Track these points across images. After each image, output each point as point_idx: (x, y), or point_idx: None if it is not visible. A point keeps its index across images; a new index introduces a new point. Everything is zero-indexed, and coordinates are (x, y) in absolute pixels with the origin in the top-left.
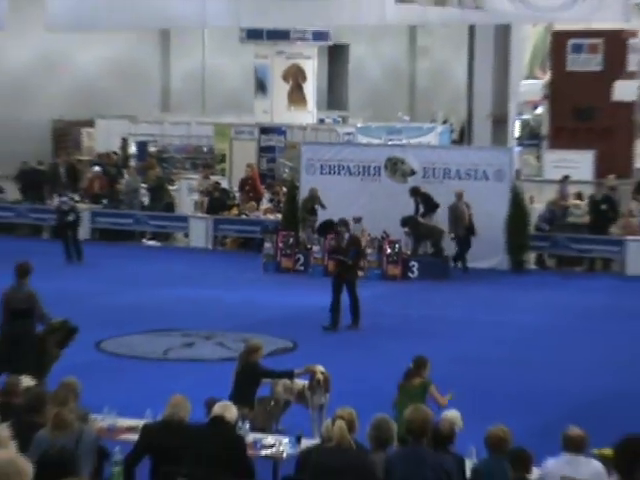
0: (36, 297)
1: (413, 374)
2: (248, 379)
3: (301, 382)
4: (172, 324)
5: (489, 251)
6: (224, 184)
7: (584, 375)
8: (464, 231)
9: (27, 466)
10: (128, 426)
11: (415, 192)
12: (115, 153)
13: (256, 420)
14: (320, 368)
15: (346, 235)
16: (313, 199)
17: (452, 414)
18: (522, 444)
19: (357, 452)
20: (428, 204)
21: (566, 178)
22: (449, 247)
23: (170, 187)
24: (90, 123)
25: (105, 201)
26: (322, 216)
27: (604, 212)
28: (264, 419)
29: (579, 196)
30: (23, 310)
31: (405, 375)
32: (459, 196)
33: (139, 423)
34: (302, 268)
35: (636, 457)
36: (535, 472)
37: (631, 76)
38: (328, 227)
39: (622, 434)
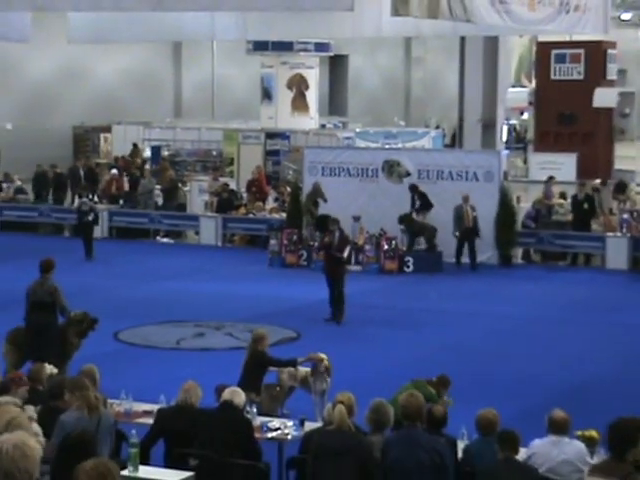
0: (58, 291)
1: (432, 385)
2: (255, 367)
3: (304, 369)
4: (184, 316)
5: (480, 247)
6: (232, 185)
7: (568, 363)
8: (465, 231)
9: (35, 450)
10: (144, 410)
11: (414, 189)
12: (130, 157)
13: (263, 404)
14: (323, 356)
15: (337, 233)
16: (316, 192)
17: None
18: (510, 426)
19: (356, 434)
20: (424, 202)
21: (551, 179)
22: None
23: (183, 188)
24: (108, 129)
25: (122, 201)
26: (323, 210)
27: (586, 211)
28: (270, 404)
29: (563, 196)
30: (46, 303)
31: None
32: (465, 199)
33: (154, 408)
34: (305, 263)
35: (627, 438)
36: (522, 452)
37: (610, 84)
38: (324, 221)
39: (603, 417)
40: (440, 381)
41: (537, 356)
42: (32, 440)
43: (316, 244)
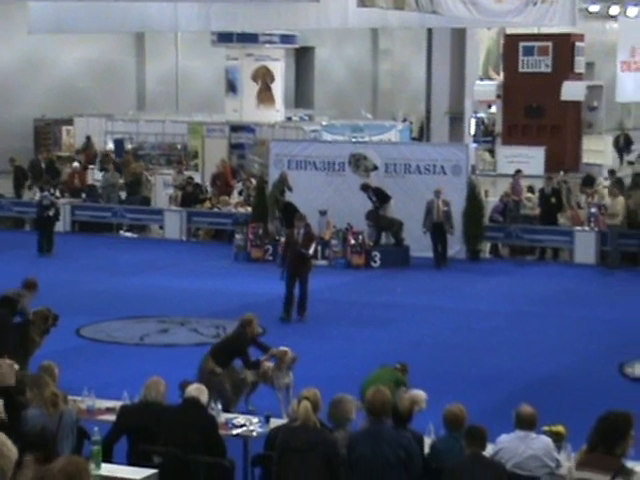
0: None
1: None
2: (232, 347)
3: (267, 364)
4: (148, 311)
5: (449, 240)
6: (197, 179)
7: (535, 357)
8: (433, 226)
9: (12, 452)
10: (107, 407)
11: (366, 187)
12: (83, 150)
13: (223, 385)
14: (286, 349)
15: (302, 229)
16: (283, 181)
17: (419, 394)
18: (477, 422)
19: (321, 431)
20: (380, 197)
21: (518, 172)
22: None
23: (149, 178)
24: (69, 121)
25: (84, 195)
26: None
27: (553, 205)
28: (231, 390)
29: (530, 190)
30: (9, 298)
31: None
32: (437, 193)
33: (117, 404)
34: (271, 258)
35: (616, 432)
36: (489, 447)
37: (578, 77)
38: (291, 210)
39: (570, 412)
40: (403, 368)
41: (505, 351)
42: (9, 441)
43: (282, 239)
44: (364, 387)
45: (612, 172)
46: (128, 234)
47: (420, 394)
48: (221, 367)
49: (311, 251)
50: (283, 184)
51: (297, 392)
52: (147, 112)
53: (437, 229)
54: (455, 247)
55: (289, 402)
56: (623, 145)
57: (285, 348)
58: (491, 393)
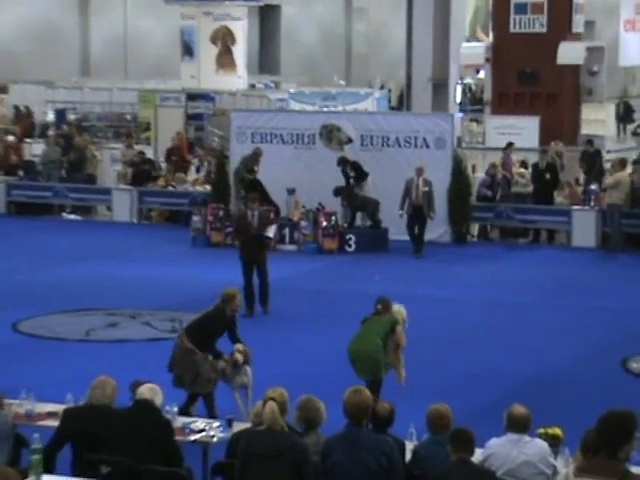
0: None
1: (380, 314)
2: (208, 326)
3: (224, 361)
4: (95, 303)
5: (430, 223)
6: (149, 154)
7: (529, 353)
8: (412, 209)
9: None
10: (48, 412)
11: (344, 162)
12: (14, 123)
13: (200, 366)
14: (238, 346)
15: (255, 212)
16: (255, 159)
17: (400, 310)
18: (464, 424)
19: (289, 435)
20: (358, 173)
21: (510, 145)
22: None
23: (94, 155)
24: (4, 89)
25: (21, 172)
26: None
27: (548, 181)
28: (210, 373)
29: (523, 164)
30: None
31: (372, 314)
32: (418, 171)
33: (59, 408)
34: (232, 242)
35: (621, 433)
36: (478, 453)
37: (577, 38)
38: (257, 189)
39: (567, 413)
40: (384, 305)
41: (495, 345)
42: None
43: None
44: (351, 351)
45: (589, 142)
46: (71, 216)
47: (400, 308)
48: (195, 345)
49: (270, 234)
50: (254, 162)
51: (261, 392)
52: (92, 79)
53: (416, 213)
54: (439, 229)
55: (248, 403)
56: (623, 114)
57: (238, 345)
58: (480, 392)
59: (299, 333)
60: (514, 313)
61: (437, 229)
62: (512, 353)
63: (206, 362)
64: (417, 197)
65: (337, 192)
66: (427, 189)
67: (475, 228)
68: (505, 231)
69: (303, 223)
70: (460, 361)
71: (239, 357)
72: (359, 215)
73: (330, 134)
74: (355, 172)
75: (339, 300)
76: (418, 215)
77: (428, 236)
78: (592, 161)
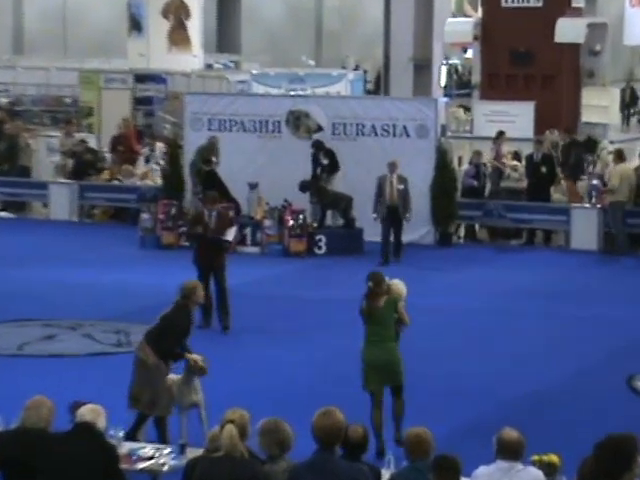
0: None
1: (375, 293)
2: (171, 327)
3: (173, 376)
4: (29, 312)
5: (411, 223)
6: (92, 143)
7: (522, 367)
8: (387, 210)
9: None
10: None
11: (319, 146)
12: None
13: (160, 384)
14: (196, 357)
15: (213, 212)
16: (212, 148)
17: (396, 283)
18: (448, 449)
19: (250, 462)
20: (332, 163)
21: (501, 135)
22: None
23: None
24: None
25: None
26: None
27: (544, 175)
28: (169, 392)
29: (516, 156)
30: None
31: (367, 297)
32: (391, 166)
33: None
34: (188, 244)
35: (619, 460)
36: None
37: (577, 13)
38: (214, 183)
39: (565, 437)
40: (375, 281)
41: (483, 359)
42: None
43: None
44: (369, 360)
45: (567, 131)
46: (2, 214)
47: (400, 285)
48: (160, 357)
49: (230, 237)
50: (210, 152)
51: (218, 414)
52: (26, 57)
53: (391, 214)
54: (421, 230)
55: (204, 426)
56: (629, 101)
57: (196, 356)
58: (466, 413)
59: (261, 346)
60: (505, 323)
61: (419, 229)
62: (503, 368)
63: (168, 379)
64: (392, 196)
65: (304, 187)
66: (402, 187)
67: (461, 228)
68: (495, 231)
69: (267, 222)
70: (443, 377)
71: (201, 364)
72: (330, 213)
73: (297, 121)
74: (329, 161)
75: (307, 309)
76: (393, 218)
77: (408, 237)
78: (566, 153)
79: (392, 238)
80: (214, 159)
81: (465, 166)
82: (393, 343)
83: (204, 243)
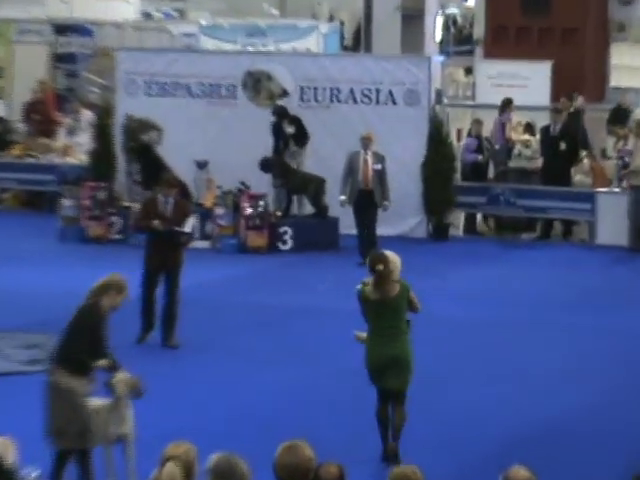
0: None
1: (387, 279)
2: (95, 331)
3: (99, 401)
4: None
5: (399, 212)
6: (0, 110)
7: (535, 389)
8: (358, 195)
9: None
10: None
11: (282, 113)
12: None
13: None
14: (121, 376)
15: (170, 199)
16: (145, 125)
17: (392, 256)
18: None
19: None
20: (300, 134)
21: (509, 103)
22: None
23: None
24: None
25: None
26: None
27: (563, 153)
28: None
29: (529, 129)
30: None
31: (377, 285)
32: (365, 141)
33: None
34: (120, 236)
35: None
36: None
37: None
38: (154, 161)
39: (584, 475)
40: (382, 262)
41: (487, 380)
42: None
43: (137, 207)
44: (378, 355)
45: (568, 96)
46: None
47: (395, 257)
48: (76, 374)
49: (188, 229)
50: (144, 129)
51: (156, 449)
52: None
53: (363, 201)
54: (411, 220)
55: (131, 464)
56: None
57: (122, 375)
58: (465, 448)
59: (211, 367)
60: (514, 336)
61: (408, 220)
62: (511, 391)
63: (90, 402)
64: (365, 178)
65: (266, 165)
66: (379, 167)
67: (461, 218)
68: (503, 223)
69: (219, 210)
70: (437, 404)
71: (134, 381)
72: (297, 199)
73: (257, 85)
74: (296, 130)
75: (269, 320)
76: (367, 205)
77: (395, 229)
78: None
79: (365, 231)
80: (152, 136)
81: (465, 140)
82: (407, 336)
83: (158, 237)
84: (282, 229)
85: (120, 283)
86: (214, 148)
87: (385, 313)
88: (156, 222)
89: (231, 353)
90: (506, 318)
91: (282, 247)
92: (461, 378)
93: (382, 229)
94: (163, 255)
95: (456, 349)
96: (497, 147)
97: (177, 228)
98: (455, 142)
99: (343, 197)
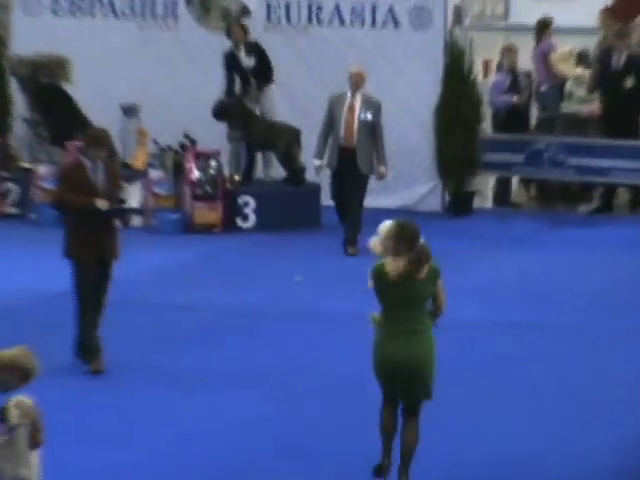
0: None
1: (417, 257)
2: None
3: None
4: None
5: (403, 177)
6: None
7: (573, 424)
8: (340, 154)
9: None
10: None
11: (236, 37)
12: None
13: None
14: (16, 400)
15: (98, 164)
16: (54, 63)
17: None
18: None
19: None
20: (263, 66)
21: (547, 25)
22: None
23: None
24: None
25: None
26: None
27: (630, 93)
28: None
29: (582, 58)
30: None
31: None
32: (355, 80)
33: None
34: (17, 210)
35: None
36: None
37: None
38: (63, 104)
39: None
40: (406, 232)
41: (510, 407)
42: None
43: (45, 168)
44: (392, 358)
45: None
46: None
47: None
48: None
49: (135, 205)
50: (47, 63)
51: None
52: None
53: (344, 164)
54: (420, 188)
55: None
56: None
57: (18, 399)
58: None
59: (145, 392)
60: (561, 345)
61: (416, 187)
62: (540, 427)
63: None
64: (349, 132)
65: (221, 110)
66: (369, 117)
67: (489, 185)
68: (548, 190)
69: (154, 174)
70: (441, 440)
71: (16, 419)
72: (263, 158)
73: (207, 1)
74: (258, 63)
75: (222, 325)
76: (349, 170)
77: (399, 201)
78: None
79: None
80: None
81: (494, 76)
82: (431, 332)
83: (94, 220)
84: (242, 200)
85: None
86: (146, 88)
87: (407, 299)
88: (101, 201)
89: (170, 372)
90: (551, 321)
91: (242, 224)
92: (468, 400)
93: (380, 200)
94: (98, 241)
95: (459, 366)
96: (542, 88)
97: (125, 206)
98: (481, 78)
99: (318, 161)
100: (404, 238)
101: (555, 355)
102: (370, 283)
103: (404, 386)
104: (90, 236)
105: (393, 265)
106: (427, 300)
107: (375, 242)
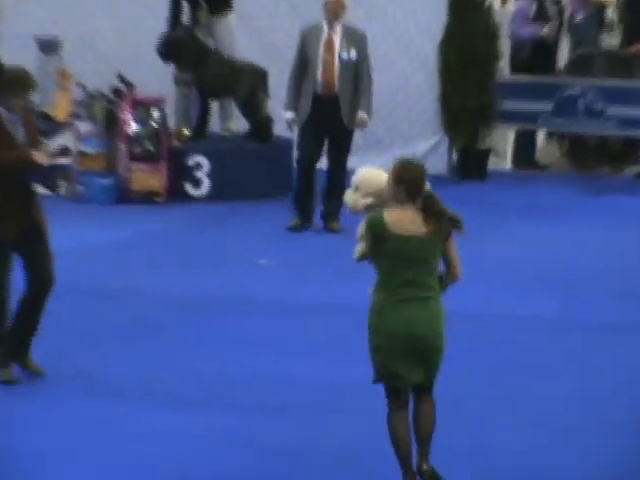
0: None
1: (426, 206)
2: None
3: None
4: None
5: (400, 130)
6: None
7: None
8: (315, 103)
9: None
10: None
11: None
12: None
13: None
14: None
15: (16, 116)
16: None
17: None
18: None
19: None
20: None
21: None
22: None
23: None
24: None
25: None
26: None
27: None
28: None
29: None
30: None
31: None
32: (332, 8)
33: None
34: None
35: None
36: None
37: None
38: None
39: None
40: (414, 173)
41: (523, 425)
42: None
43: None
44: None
45: None
46: None
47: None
48: None
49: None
50: None
51: None
52: None
53: (322, 115)
54: (421, 144)
55: None
56: None
57: None
58: None
59: (83, 404)
60: (589, 346)
61: (417, 143)
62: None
63: None
64: (326, 76)
65: (166, 46)
66: (354, 55)
67: (509, 140)
68: (583, 147)
69: (81, 127)
70: (469, 449)
71: None
72: (220, 107)
73: None
74: None
75: (167, 319)
76: (328, 122)
77: (394, 161)
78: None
79: (328, 166)
80: None
81: (515, 2)
82: (440, 299)
83: (16, 184)
84: (192, 160)
85: None
86: (70, 18)
87: (414, 258)
88: (39, 154)
89: (95, 379)
90: (582, 314)
91: (193, 192)
92: (479, 407)
93: (370, 159)
94: (22, 212)
95: (491, 362)
96: (577, 17)
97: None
98: (498, 5)
99: (290, 114)
100: (409, 182)
101: (584, 357)
102: (362, 237)
103: (418, 368)
104: (8, 206)
105: (401, 216)
106: (438, 258)
107: (352, 195)
